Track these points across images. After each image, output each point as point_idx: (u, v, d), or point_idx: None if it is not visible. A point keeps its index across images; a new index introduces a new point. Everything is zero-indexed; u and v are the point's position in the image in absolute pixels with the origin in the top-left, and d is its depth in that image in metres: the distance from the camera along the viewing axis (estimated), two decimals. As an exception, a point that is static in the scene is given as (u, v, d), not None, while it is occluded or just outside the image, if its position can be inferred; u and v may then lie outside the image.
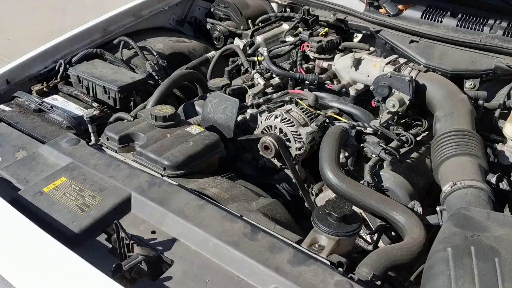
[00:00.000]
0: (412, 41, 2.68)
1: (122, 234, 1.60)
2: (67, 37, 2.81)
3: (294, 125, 2.18)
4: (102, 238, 1.69)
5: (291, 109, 2.26)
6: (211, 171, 2.19)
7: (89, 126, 2.24)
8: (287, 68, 2.66)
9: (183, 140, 2.08)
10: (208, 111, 2.36)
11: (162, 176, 1.95)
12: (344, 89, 2.50)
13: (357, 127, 2.20)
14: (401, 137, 2.15)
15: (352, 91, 2.47)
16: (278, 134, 2.21)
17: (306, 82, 2.51)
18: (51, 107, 2.39)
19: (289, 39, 2.76)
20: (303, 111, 2.26)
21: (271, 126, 2.23)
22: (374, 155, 2.05)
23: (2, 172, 1.96)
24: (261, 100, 2.36)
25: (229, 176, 2.07)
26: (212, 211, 1.71)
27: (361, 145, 2.11)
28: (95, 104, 2.49)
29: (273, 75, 2.63)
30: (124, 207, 1.77)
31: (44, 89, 2.59)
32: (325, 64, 2.59)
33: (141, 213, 1.76)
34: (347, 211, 1.65)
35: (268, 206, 1.89)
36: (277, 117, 2.21)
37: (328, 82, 2.53)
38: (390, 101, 2.23)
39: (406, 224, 1.71)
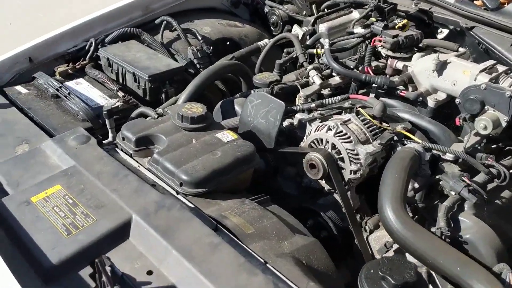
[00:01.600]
0: (515, 44, 2.12)
1: (105, 276, 1.23)
2: (102, 13, 2.47)
3: (351, 142, 1.71)
4: (86, 272, 1.33)
5: (349, 120, 1.80)
6: (242, 187, 1.78)
7: (107, 121, 1.89)
8: (351, 66, 2.17)
9: (210, 149, 1.68)
10: (248, 114, 1.94)
11: (178, 193, 1.57)
12: (421, 98, 1.99)
13: (434, 151, 1.70)
14: (491, 170, 1.63)
15: (430, 102, 1.96)
16: (329, 150, 1.76)
17: (374, 85, 2.03)
18: (69, 93, 2.06)
19: (358, 30, 2.28)
20: (364, 124, 1.79)
21: (321, 140, 1.78)
22: (453, 193, 1.56)
23: (-6, 170, 1.66)
24: (313, 105, 1.90)
25: (260, 200, 1.65)
26: (228, 254, 1.31)
27: (437, 177, 1.62)
28: (120, 94, 2.15)
29: (333, 73, 2.17)
30: (121, 233, 1.40)
31: (69, 71, 2.28)
32: (399, 65, 2.09)
33: (140, 244, 1.38)
34: (409, 278, 1.19)
35: (305, 248, 1.45)
36: (330, 129, 1.75)
37: (401, 87, 2.03)
38: (481, 121, 1.71)
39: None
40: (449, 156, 1.68)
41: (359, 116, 1.82)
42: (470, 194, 1.51)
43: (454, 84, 1.90)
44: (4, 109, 2.02)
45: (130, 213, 1.43)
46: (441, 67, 1.92)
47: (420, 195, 1.68)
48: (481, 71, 1.82)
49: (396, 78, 2.02)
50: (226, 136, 1.76)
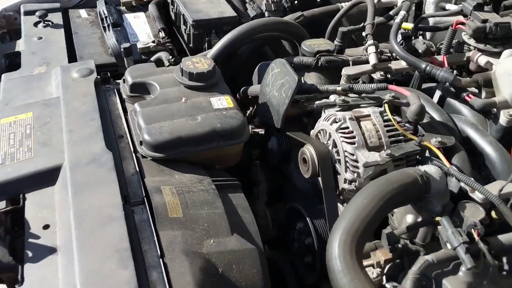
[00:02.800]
0: None
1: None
2: None
3: (354, 144, 1.34)
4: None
5: (368, 115, 1.41)
6: (227, 164, 1.56)
7: (125, 59, 1.80)
8: (420, 50, 1.70)
9: (193, 113, 1.47)
10: (267, 82, 1.66)
11: (135, 152, 1.42)
12: (494, 109, 1.48)
13: (463, 183, 1.25)
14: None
15: (503, 118, 1.45)
16: (329, 147, 1.41)
17: (438, 79, 1.56)
18: (108, 25, 1.99)
19: (450, 6, 1.77)
20: (385, 125, 1.39)
21: (325, 132, 1.44)
22: (449, 246, 1.12)
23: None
24: (339, 88, 1.54)
25: (224, 184, 1.41)
26: (115, 234, 1.12)
27: (437, 218, 1.18)
28: (161, 34, 2.01)
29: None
30: (48, 177, 1.30)
31: (133, 2, 2.21)
32: (482, 60, 1.57)
33: (57, 193, 1.27)
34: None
35: (231, 254, 1.20)
36: (336, 122, 1.40)
37: (472, 89, 1.53)
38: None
39: None
40: (477, 196, 1.22)
41: (383, 114, 1.42)
42: (468, 256, 1.07)
43: (537, 100, 1.36)
44: (55, 29, 2.06)
45: (64, 160, 1.33)
46: (525, 73, 1.38)
47: (422, 236, 1.25)
48: None
49: (468, 78, 1.52)
50: (221, 102, 1.53)
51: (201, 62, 1.60)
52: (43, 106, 1.54)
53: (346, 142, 1.35)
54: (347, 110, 1.47)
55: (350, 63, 1.75)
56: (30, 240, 1.16)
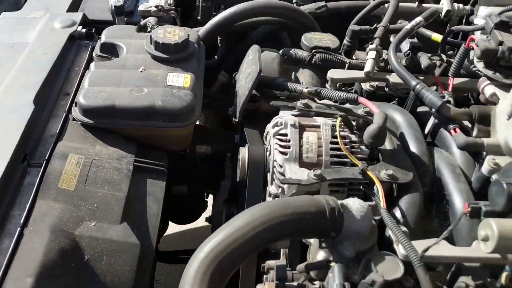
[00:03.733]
0: None
1: None
2: None
3: (286, 154, 1.15)
4: None
5: (318, 126, 1.20)
6: (173, 148, 1.43)
7: (116, 18, 1.72)
8: (424, 65, 1.42)
9: (143, 84, 1.36)
10: (241, 69, 1.50)
11: (69, 113, 1.34)
12: (484, 152, 1.20)
13: (391, 231, 1.01)
14: None
15: (487, 165, 1.15)
16: (267, 153, 1.23)
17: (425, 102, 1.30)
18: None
19: (478, 21, 1.47)
20: (332, 141, 1.17)
21: (268, 135, 1.26)
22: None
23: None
24: (305, 90, 1.33)
25: (145, 167, 1.28)
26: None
27: (332, 264, 0.96)
28: (170, 1, 1.90)
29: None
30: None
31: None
32: (489, 91, 1.27)
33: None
34: None
35: (107, 243, 1.08)
36: (277, 126, 1.21)
37: (464, 123, 1.26)
38: (485, 228, 0.92)
39: None
40: (399, 251, 0.98)
41: (340, 126, 1.20)
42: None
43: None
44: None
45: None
46: (520, 115, 1.08)
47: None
48: None
49: (459, 109, 1.23)
50: (177, 79, 1.39)
51: (174, 34, 1.48)
52: (7, 48, 1.52)
53: (279, 151, 1.16)
54: (305, 116, 1.27)
55: (346, 65, 1.52)
56: None
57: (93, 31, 1.66)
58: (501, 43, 1.23)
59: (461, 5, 1.85)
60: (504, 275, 0.99)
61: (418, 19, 1.47)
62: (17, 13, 1.79)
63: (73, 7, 1.85)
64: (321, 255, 1.06)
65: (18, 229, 1.02)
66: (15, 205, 1.08)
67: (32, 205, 1.07)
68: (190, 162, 1.69)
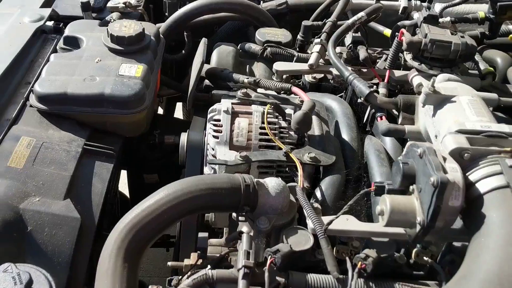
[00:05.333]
0: None
1: None
2: None
3: (217, 138, 1.24)
4: None
5: (250, 113, 1.28)
6: (128, 134, 1.52)
7: (84, 14, 1.82)
8: (361, 58, 1.49)
9: (96, 74, 1.46)
10: (194, 61, 1.59)
11: (27, 100, 1.44)
12: (407, 137, 1.27)
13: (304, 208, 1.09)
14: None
15: (406, 149, 1.23)
16: (205, 138, 1.32)
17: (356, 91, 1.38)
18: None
19: (415, 15, 1.54)
20: (262, 127, 1.26)
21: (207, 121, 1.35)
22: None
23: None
24: (246, 80, 1.42)
25: (93, 150, 1.37)
26: None
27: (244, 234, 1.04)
28: (140, -3, 2.00)
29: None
30: None
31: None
32: (416, 81, 1.33)
33: None
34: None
35: (48, 216, 1.17)
36: (212, 112, 1.29)
37: (392, 110, 1.33)
38: (382, 203, 1.00)
39: None
40: (309, 225, 1.06)
41: (269, 116, 1.28)
42: (243, 282, 0.94)
43: (436, 137, 1.13)
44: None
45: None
46: (434, 101, 1.16)
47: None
48: (468, 132, 1.02)
49: (385, 98, 1.31)
50: (129, 69, 1.49)
51: (129, 27, 1.57)
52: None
53: (212, 135, 1.25)
54: (244, 104, 1.35)
55: (294, 59, 1.61)
56: None
57: (60, 25, 1.75)
58: (425, 35, 1.30)
59: (418, 2, 1.91)
60: (414, 250, 1.07)
61: (360, 14, 1.55)
62: (0, 5, 1.90)
63: (47, 4, 1.95)
64: (245, 228, 1.14)
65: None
66: (-33, 181, 1.18)
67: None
68: (159, 152, 1.79)
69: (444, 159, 0.96)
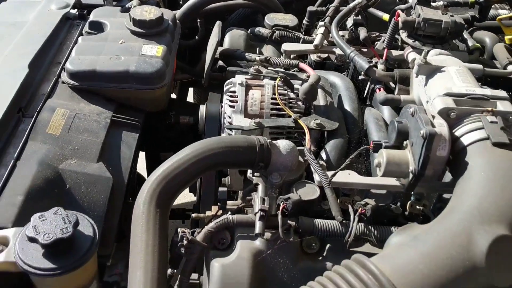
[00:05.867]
0: None
1: None
2: None
3: (233, 107, 1.39)
4: None
5: (262, 86, 1.43)
6: (150, 109, 1.68)
7: (105, 2, 1.97)
8: (362, 38, 1.64)
9: (121, 54, 1.61)
10: (209, 42, 1.74)
11: (59, 77, 1.59)
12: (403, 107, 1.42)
13: (311, 166, 1.24)
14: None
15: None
16: (222, 109, 1.47)
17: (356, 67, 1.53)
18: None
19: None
20: (273, 97, 1.41)
21: (223, 93, 1.50)
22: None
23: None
24: (257, 58, 1.58)
25: (119, 121, 1.53)
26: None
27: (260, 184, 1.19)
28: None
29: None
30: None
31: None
32: (411, 57, 1.48)
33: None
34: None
35: (86, 176, 1.33)
36: (228, 85, 1.45)
37: (389, 83, 1.48)
38: (379, 156, 1.15)
39: None
40: (316, 179, 1.21)
41: (279, 88, 1.43)
42: (260, 223, 1.09)
43: (427, 102, 1.28)
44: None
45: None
46: (425, 71, 1.30)
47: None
48: (455, 95, 1.17)
49: (383, 71, 1.46)
50: (151, 50, 1.64)
51: (149, 12, 1.72)
52: (10, 25, 1.77)
53: (228, 104, 1.40)
54: (255, 79, 1.50)
55: (301, 40, 1.76)
56: None
57: (84, 12, 1.91)
58: (419, 15, 1.45)
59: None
60: (408, 203, 1.21)
61: (360, -1, 1.70)
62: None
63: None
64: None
65: (12, 161, 1.27)
66: (10, 145, 1.33)
67: (24, 145, 1.32)
68: (175, 132, 1.94)
69: (433, 117, 1.11)
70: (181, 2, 2.16)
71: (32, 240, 1.03)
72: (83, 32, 1.78)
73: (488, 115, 1.11)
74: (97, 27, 1.76)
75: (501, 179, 0.99)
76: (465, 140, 1.09)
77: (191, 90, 2.76)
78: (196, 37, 2.14)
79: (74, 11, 1.92)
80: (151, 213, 1.10)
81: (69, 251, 1.04)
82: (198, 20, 2.10)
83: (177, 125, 1.88)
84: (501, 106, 1.15)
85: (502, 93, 1.20)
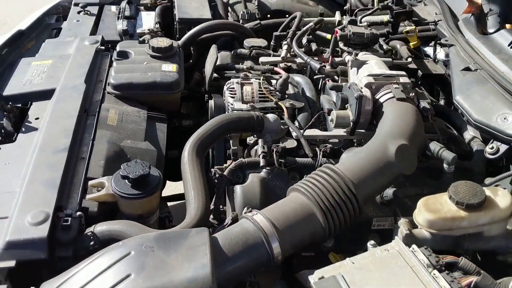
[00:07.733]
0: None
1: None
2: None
3: (234, 97, 2.08)
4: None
5: (251, 83, 2.13)
6: (170, 109, 2.33)
7: (123, 37, 2.64)
8: (313, 49, 2.38)
9: (147, 71, 2.27)
10: (207, 60, 2.43)
11: (104, 89, 2.23)
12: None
13: (291, 128, 1.93)
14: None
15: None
16: (224, 101, 2.15)
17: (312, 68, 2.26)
18: (121, 17, 2.87)
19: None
20: (259, 90, 2.10)
21: (224, 92, 2.18)
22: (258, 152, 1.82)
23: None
24: (244, 66, 2.28)
25: (156, 117, 2.18)
26: (70, 122, 1.93)
27: (259, 141, 1.87)
28: (157, 26, 2.84)
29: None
30: (46, 94, 2.15)
31: (148, 4, 3.08)
32: (347, 58, 2.22)
33: (49, 102, 2.11)
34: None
35: (137, 150, 1.96)
36: (228, 84, 2.14)
37: (334, 76, 2.20)
38: (332, 115, 1.86)
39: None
40: (294, 134, 1.90)
41: (263, 83, 2.13)
42: (263, 160, 1.77)
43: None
44: (90, 16, 2.95)
45: (57, 86, 2.16)
46: (356, 65, 2.04)
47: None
48: (374, 75, 1.90)
49: (328, 68, 2.19)
50: (168, 67, 2.31)
51: (163, 41, 2.40)
52: (59, 57, 2.40)
53: (230, 96, 2.08)
54: (245, 80, 2.20)
55: (271, 55, 2.48)
56: (25, 123, 2.00)
57: (109, 46, 2.57)
58: (350, 31, 2.20)
59: (347, 16, 2.82)
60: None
61: (310, 24, 2.44)
62: (56, 39, 2.69)
63: (93, 33, 2.76)
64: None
65: (91, 141, 1.90)
66: (86, 132, 1.95)
67: (95, 132, 1.95)
68: (178, 133, 2.58)
69: (362, 88, 1.83)
70: (177, 36, 2.85)
71: (125, 177, 1.65)
72: (113, 59, 2.43)
73: (394, 85, 1.85)
74: (123, 55, 2.42)
75: (401, 116, 1.72)
76: (381, 99, 1.81)
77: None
78: (190, 60, 2.82)
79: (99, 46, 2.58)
80: (193, 159, 1.76)
81: (147, 184, 1.67)
82: (191, 48, 2.79)
83: (180, 127, 2.54)
84: (402, 80, 1.90)
85: (403, 73, 1.94)
